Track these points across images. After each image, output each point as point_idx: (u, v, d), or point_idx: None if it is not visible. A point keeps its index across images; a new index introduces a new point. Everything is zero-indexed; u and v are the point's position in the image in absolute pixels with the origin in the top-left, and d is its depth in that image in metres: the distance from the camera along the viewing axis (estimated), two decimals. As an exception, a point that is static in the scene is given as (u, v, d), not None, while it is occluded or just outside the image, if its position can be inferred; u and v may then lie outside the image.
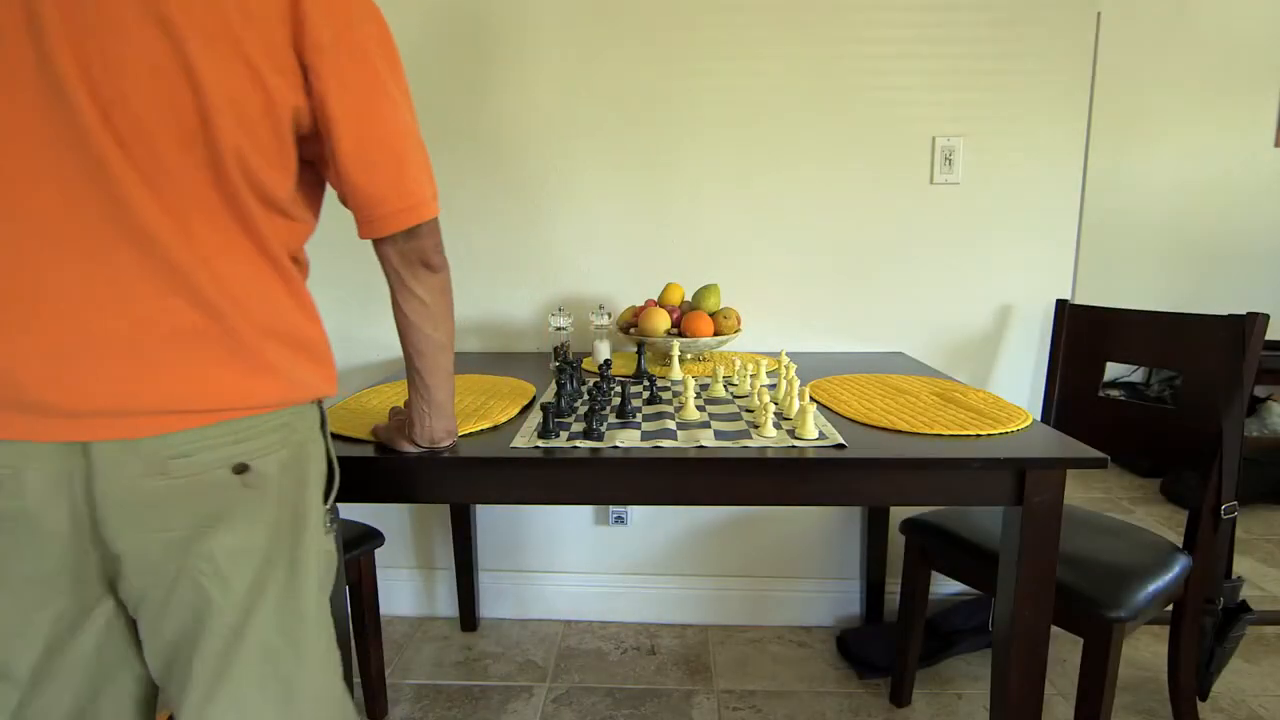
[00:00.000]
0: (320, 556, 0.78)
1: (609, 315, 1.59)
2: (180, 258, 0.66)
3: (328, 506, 0.80)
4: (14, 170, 0.64)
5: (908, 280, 1.74)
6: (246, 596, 0.71)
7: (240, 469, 0.70)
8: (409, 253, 0.82)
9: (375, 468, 0.99)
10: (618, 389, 1.28)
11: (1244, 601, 1.39)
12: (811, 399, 1.19)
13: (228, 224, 0.69)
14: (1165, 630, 1.41)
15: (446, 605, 1.91)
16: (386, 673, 1.64)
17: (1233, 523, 1.35)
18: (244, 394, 0.69)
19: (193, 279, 0.67)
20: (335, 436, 1.04)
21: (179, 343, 0.67)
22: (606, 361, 1.33)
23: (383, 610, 1.85)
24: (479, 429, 1.06)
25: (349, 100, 0.73)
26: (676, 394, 1.27)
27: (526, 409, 1.18)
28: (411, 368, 0.88)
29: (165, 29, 0.63)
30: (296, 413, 0.75)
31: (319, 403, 0.81)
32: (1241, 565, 2.16)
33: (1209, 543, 1.30)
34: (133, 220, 0.65)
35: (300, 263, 0.81)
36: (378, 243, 0.81)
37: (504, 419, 1.11)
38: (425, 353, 0.87)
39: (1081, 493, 2.82)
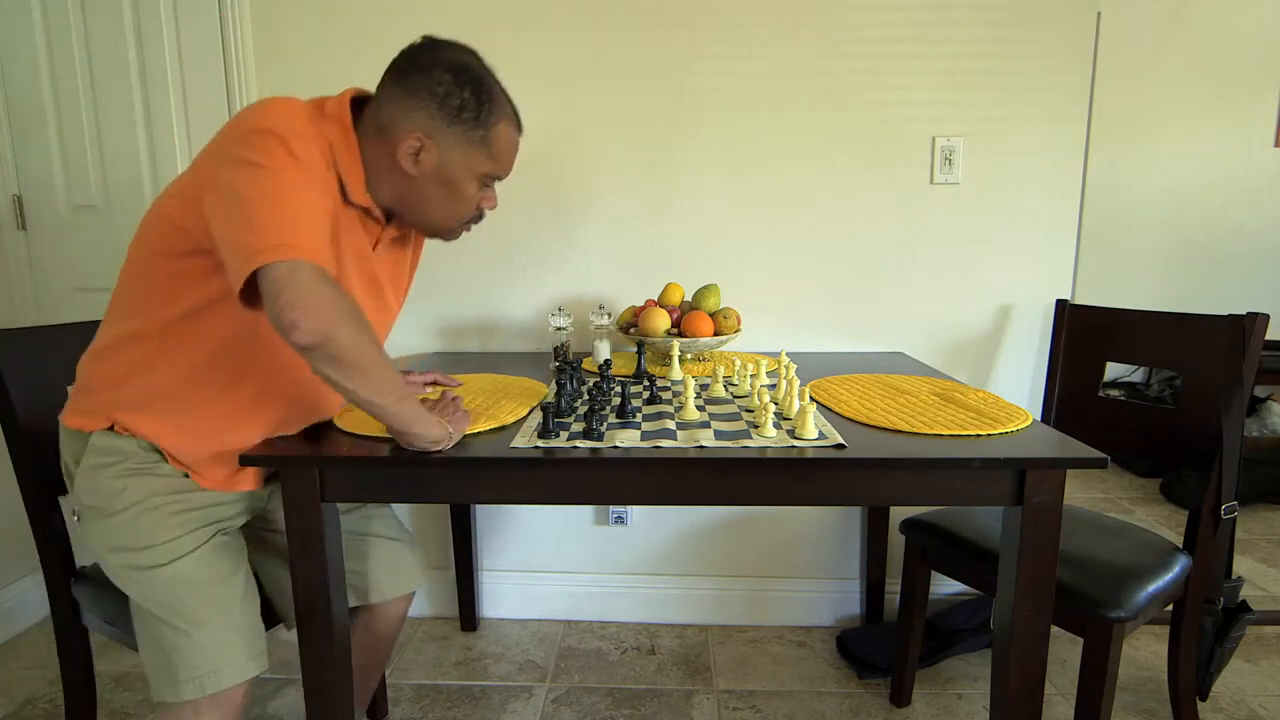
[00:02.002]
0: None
1: (609, 315, 1.59)
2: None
3: (74, 511, 1.01)
4: None
5: (908, 280, 1.74)
6: None
7: None
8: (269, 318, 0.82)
9: (375, 467, 0.99)
10: (618, 389, 1.27)
11: (1244, 601, 1.39)
12: (811, 399, 1.19)
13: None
14: (1165, 630, 1.41)
15: (446, 605, 1.91)
16: (386, 673, 1.64)
17: (1233, 523, 1.35)
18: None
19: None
20: (344, 433, 1.04)
21: None
22: (606, 361, 1.33)
23: (383, 610, 1.85)
24: (482, 429, 1.05)
25: (209, 207, 0.87)
26: (676, 394, 1.26)
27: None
28: None
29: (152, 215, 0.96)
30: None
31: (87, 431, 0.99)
32: (1241, 565, 2.16)
33: (1209, 543, 1.29)
34: None
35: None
36: None
37: (511, 419, 1.10)
38: (345, 396, 0.89)
39: (1081, 493, 2.82)
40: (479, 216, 1.10)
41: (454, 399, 1.08)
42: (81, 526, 1.00)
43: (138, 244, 0.95)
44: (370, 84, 1.02)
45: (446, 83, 0.96)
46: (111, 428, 0.96)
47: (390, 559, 1.19)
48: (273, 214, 0.81)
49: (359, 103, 1.01)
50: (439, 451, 0.95)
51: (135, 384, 0.95)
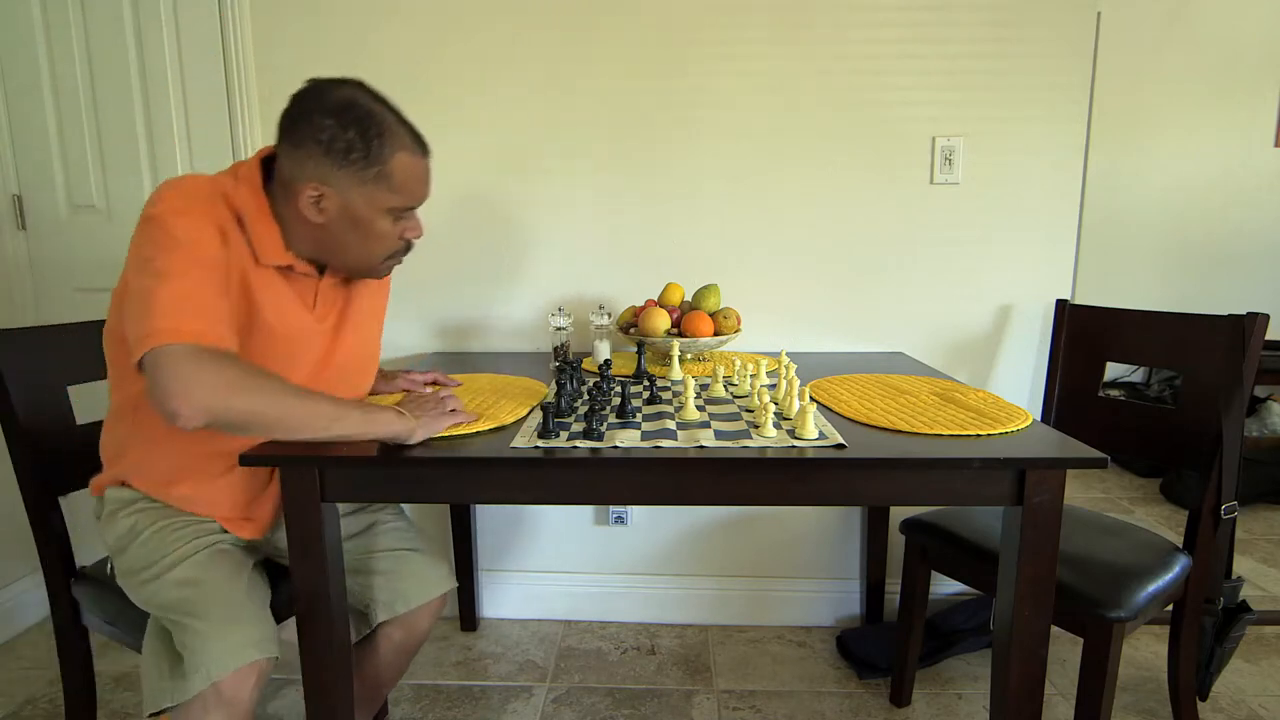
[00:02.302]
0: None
1: (609, 315, 1.59)
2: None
3: (110, 566, 1.09)
4: None
5: (908, 280, 1.74)
6: None
7: None
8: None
9: (375, 467, 0.99)
10: (618, 389, 1.27)
11: (1244, 601, 1.39)
12: (811, 399, 1.19)
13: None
14: (1165, 630, 1.41)
15: (447, 605, 1.90)
16: (386, 673, 1.64)
17: (1233, 523, 1.35)
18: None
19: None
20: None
21: None
22: (606, 361, 1.33)
23: (383, 610, 1.85)
24: (482, 429, 1.05)
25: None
26: (676, 394, 1.26)
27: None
28: None
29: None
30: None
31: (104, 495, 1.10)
32: (1241, 565, 2.16)
33: (1209, 543, 1.30)
34: None
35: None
36: None
37: (511, 419, 1.10)
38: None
39: (1081, 493, 2.82)
40: (406, 248, 1.08)
41: (443, 396, 1.09)
42: (115, 572, 1.07)
43: (107, 321, 1.02)
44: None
45: (329, 126, 0.94)
46: (124, 484, 1.08)
47: (410, 568, 1.18)
48: (150, 303, 0.85)
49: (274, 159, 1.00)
50: (403, 446, 0.97)
51: (132, 454, 1.06)
